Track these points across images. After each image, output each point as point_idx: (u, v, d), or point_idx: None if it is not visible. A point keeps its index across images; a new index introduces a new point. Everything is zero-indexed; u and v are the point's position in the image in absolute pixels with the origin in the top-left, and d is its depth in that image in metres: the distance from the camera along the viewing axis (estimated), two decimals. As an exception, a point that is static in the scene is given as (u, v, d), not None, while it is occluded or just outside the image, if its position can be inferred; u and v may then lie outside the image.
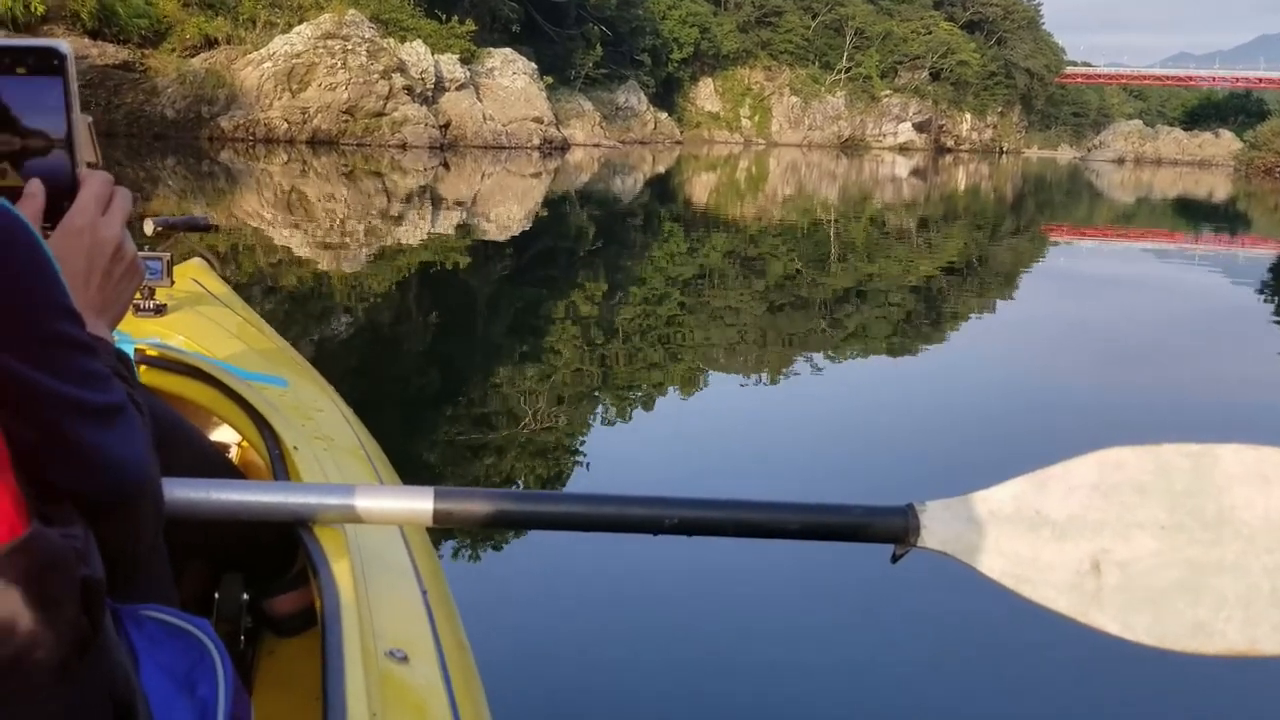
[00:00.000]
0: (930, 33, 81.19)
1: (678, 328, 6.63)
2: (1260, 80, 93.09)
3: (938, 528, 0.88)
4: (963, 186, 31.94)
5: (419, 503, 0.93)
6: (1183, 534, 0.85)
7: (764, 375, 5.42)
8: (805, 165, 40.85)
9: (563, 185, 22.24)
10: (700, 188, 25.20)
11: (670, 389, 5.01)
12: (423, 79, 31.97)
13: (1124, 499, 0.86)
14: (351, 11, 29.28)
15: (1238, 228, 20.00)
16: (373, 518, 0.94)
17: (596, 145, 47.82)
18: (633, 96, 59.90)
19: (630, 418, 4.47)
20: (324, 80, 28.30)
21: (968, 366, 5.94)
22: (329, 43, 28.46)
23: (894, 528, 0.89)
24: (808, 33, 77.58)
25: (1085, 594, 0.85)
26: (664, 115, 64.44)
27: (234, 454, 1.49)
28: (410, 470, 2.44)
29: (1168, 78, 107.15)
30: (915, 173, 39.16)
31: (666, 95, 68.00)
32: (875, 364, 5.83)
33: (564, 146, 40.33)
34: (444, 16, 35.74)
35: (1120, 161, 62.04)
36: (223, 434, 1.53)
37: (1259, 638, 0.84)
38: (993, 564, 0.87)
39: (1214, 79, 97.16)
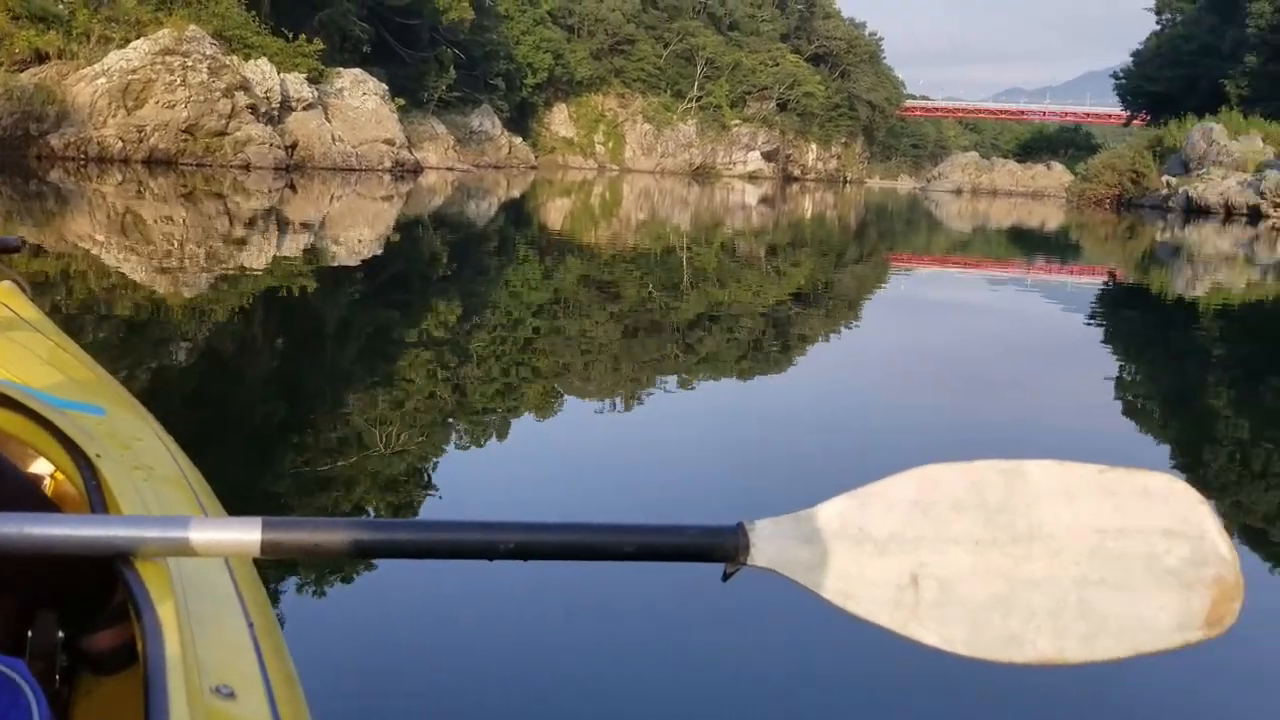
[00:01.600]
0: (777, 64, 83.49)
1: (532, 353, 6.62)
2: (1087, 115, 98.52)
3: (766, 546, 0.90)
4: (809, 214, 32.79)
5: (245, 533, 0.90)
6: (995, 548, 0.89)
7: (617, 400, 5.45)
8: (658, 192, 41.36)
9: (415, 209, 21.99)
10: (555, 212, 25.24)
11: (525, 414, 4.99)
12: (268, 98, 31.20)
13: (941, 515, 0.89)
14: (192, 27, 28.40)
15: (1068, 257, 21.02)
16: (196, 550, 0.90)
17: (450, 169, 47.49)
18: (487, 120, 59.76)
19: (484, 443, 4.43)
20: (162, 98, 27.35)
21: (810, 390, 6.09)
22: (168, 59, 27.53)
23: (725, 547, 0.90)
24: (660, 61, 78.90)
25: (905, 608, 0.88)
26: (518, 140, 64.55)
27: (48, 486, 1.41)
28: (252, 503, 2.37)
29: (1001, 111, 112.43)
30: (764, 201, 40.05)
31: (521, 120, 68.15)
32: (724, 388, 5.92)
33: (416, 169, 39.87)
34: (291, 35, 34.98)
35: (958, 192, 64.62)
36: (36, 466, 1.45)
37: (1066, 647, 0.88)
38: (818, 580, 0.89)
39: (1044, 113, 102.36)
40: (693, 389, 5.74)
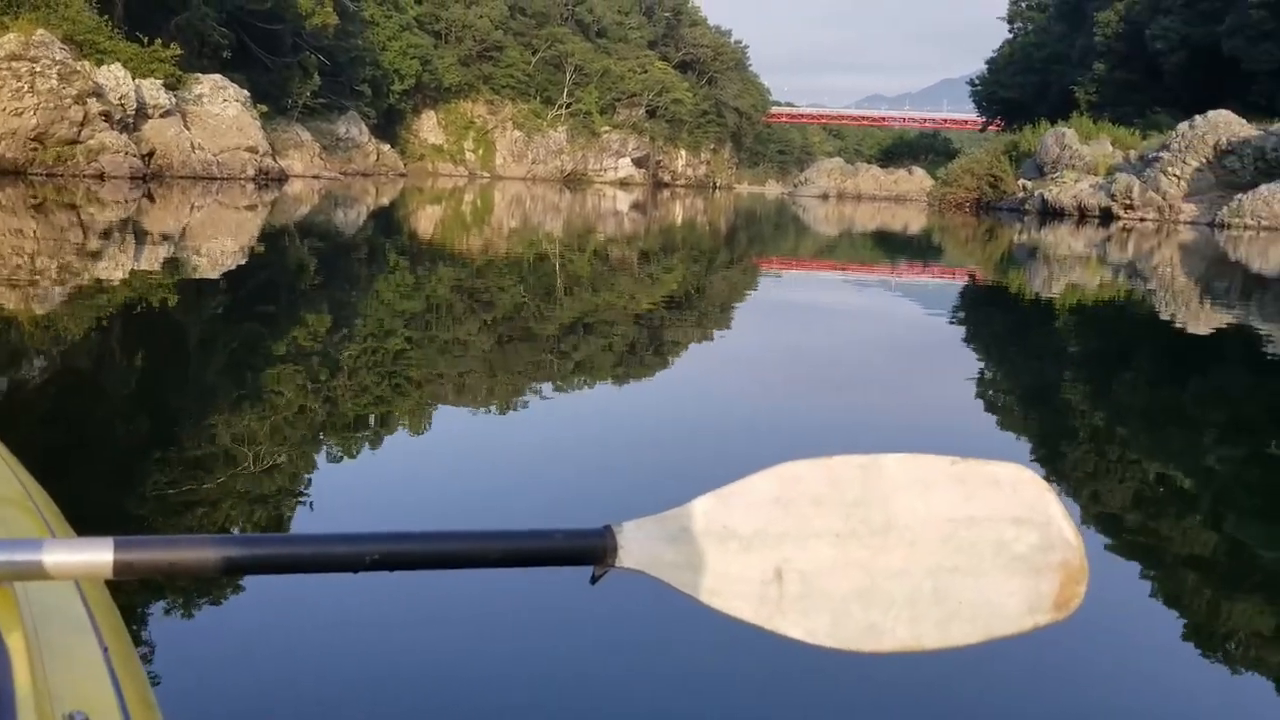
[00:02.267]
0: (646, 71, 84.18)
1: (405, 363, 6.54)
2: (945, 121, 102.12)
3: (634, 547, 0.90)
4: (680, 220, 33.11)
5: (96, 555, 0.86)
6: (854, 540, 0.91)
7: (492, 407, 5.42)
8: (530, 199, 41.25)
9: (281, 218, 21.50)
10: (426, 220, 24.97)
11: (399, 424, 4.92)
12: (122, 104, 30.12)
13: (802, 510, 0.91)
14: (40, 31, 27.24)
15: (931, 259, 21.64)
16: (44, 573, 0.87)
17: (316, 177, 46.57)
18: (354, 127, 58.80)
19: (357, 455, 4.35)
20: (8, 105, 26.21)
21: (682, 393, 6.14)
22: (14, 64, 26.38)
23: (592, 549, 0.90)
24: (529, 68, 78.83)
25: (769, 602, 0.89)
26: (387, 147, 63.78)
27: None
28: (112, 526, 2.29)
29: (864, 118, 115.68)
30: (635, 207, 40.29)
31: (389, 127, 67.36)
32: (599, 393, 5.94)
33: (281, 178, 38.99)
34: (146, 39, 33.83)
35: (825, 197, 65.96)
36: None
37: (923, 634, 0.91)
38: (684, 578, 0.90)
39: (905, 119, 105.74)
40: (567, 395, 5.74)
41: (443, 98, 75.18)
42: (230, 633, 2.53)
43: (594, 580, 0.92)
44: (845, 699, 2.31)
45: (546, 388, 5.84)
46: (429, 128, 76.08)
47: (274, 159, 39.29)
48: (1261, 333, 10.15)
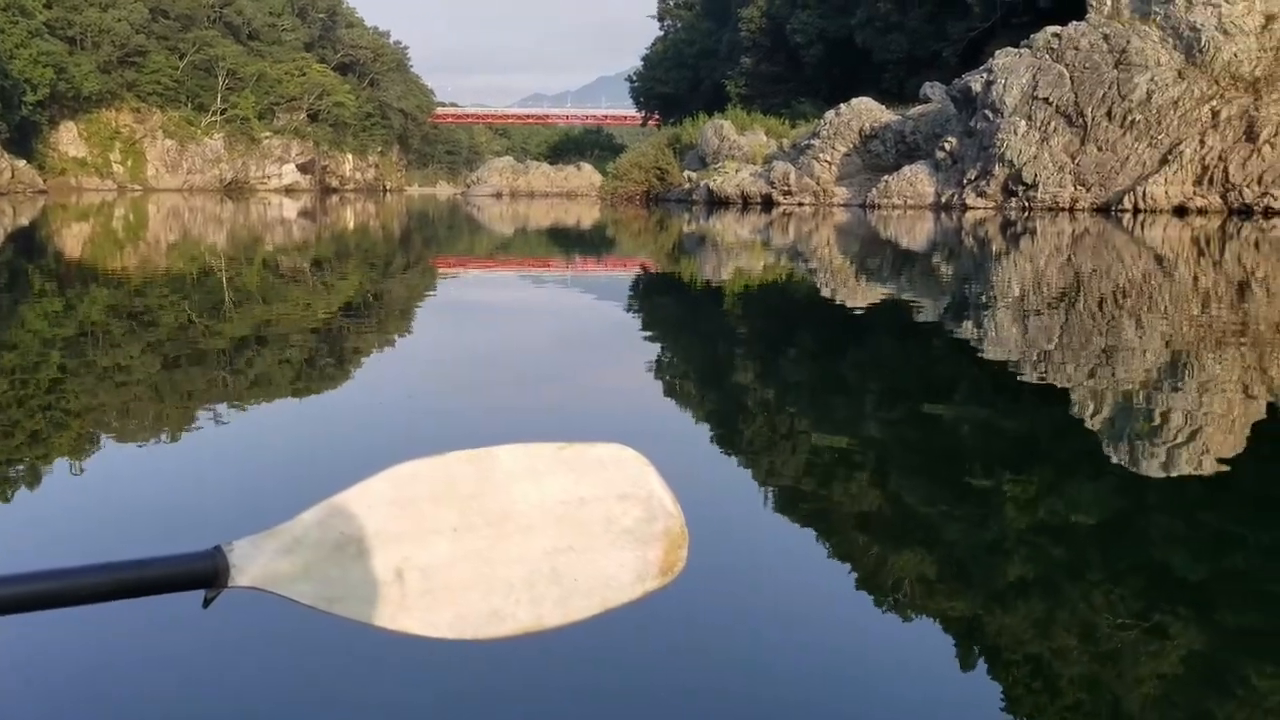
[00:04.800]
0: (304, 74, 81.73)
1: (60, 394, 6.05)
2: (607, 117, 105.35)
3: (248, 565, 0.90)
4: (352, 225, 32.40)
5: None
6: (472, 533, 0.96)
7: (162, 434, 5.12)
8: (189, 210, 39.11)
9: (-104, 248, 19.32)
10: (73, 240, 23.18)
11: (55, 460, 4.56)
12: None
13: (420, 509, 0.94)
14: None
15: (605, 251, 22.24)
16: None
17: (-62, 199, 42.17)
18: (-21, 143, 53.68)
19: (11, 498, 4.00)
20: None
21: (341, 401, 6.00)
22: None
23: (203, 572, 0.89)
24: (177, 73, 74.78)
25: (391, 603, 0.92)
26: (22, 163, 58.92)
27: None
28: None
29: (528, 116, 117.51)
30: (304, 214, 39.08)
31: (23, 141, 62.24)
32: (259, 411, 5.69)
33: (-106, 203, 34.99)
34: None
35: (498, 195, 66.30)
36: None
37: (544, 614, 0.97)
38: (302, 590, 0.91)
39: (568, 117, 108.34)
40: (230, 414, 5.49)
41: (83, 107, 70.03)
42: None
43: (206, 604, 0.90)
44: (478, 688, 2.35)
45: (209, 408, 5.57)
46: (69, 140, 70.65)
47: (-116, 181, 35.25)
48: (910, 303, 11.11)
